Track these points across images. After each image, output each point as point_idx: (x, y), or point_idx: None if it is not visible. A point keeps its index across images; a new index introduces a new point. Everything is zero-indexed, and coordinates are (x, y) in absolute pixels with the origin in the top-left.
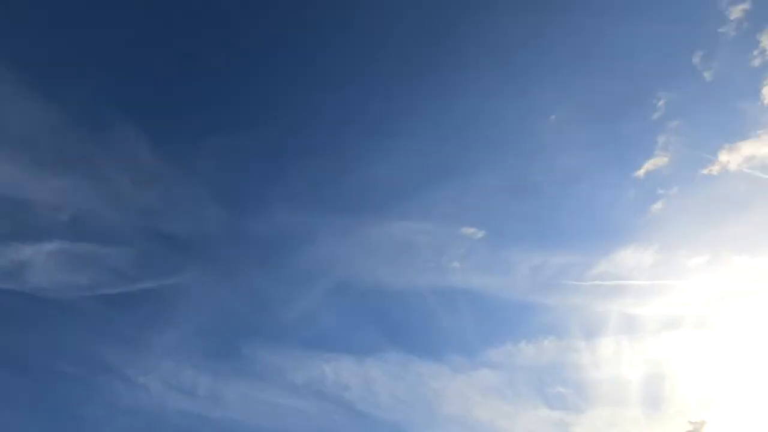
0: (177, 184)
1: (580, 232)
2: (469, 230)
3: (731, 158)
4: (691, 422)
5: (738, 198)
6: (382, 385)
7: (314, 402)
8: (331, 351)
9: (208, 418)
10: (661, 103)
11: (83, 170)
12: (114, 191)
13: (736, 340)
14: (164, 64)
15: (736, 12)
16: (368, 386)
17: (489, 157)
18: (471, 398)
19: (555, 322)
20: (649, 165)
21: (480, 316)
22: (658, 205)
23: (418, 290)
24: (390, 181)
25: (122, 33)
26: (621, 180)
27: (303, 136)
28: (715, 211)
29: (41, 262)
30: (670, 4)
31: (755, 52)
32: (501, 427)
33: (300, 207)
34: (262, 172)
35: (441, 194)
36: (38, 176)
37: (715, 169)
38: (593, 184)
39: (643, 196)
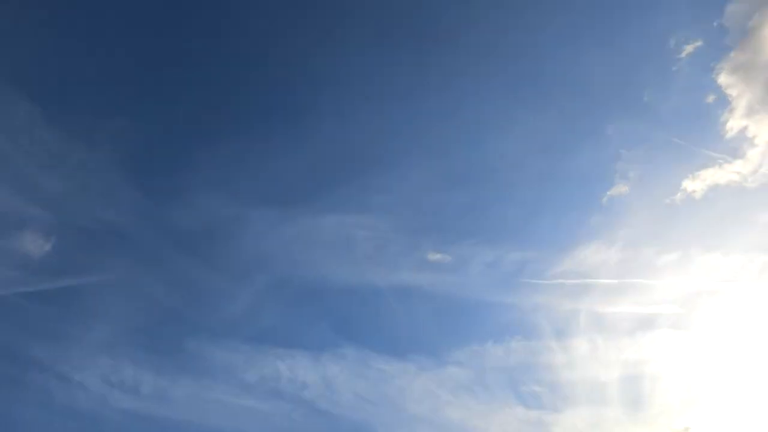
0: (87, 168)
1: (538, 228)
2: (411, 224)
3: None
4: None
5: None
6: (343, 383)
7: (271, 401)
8: (283, 347)
9: (157, 417)
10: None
11: None
12: (17, 176)
13: (711, 339)
14: (75, 37)
15: (688, 48)
16: (328, 384)
17: (430, 145)
18: (440, 397)
19: (520, 321)
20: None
21: (436, 314)
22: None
23: (365, 286)
24: (321, 171)
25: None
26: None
27: (229, 118)
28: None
29: None
30: (623, 40)
31: (709, 87)
32: (476, 426)
33: (228, 195)
34: (186, 157)
35: (377, 185)
36: None
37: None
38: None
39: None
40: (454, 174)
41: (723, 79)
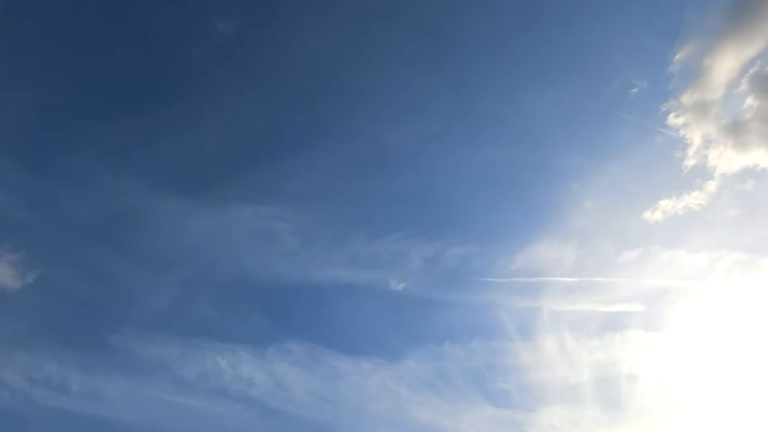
0: None
1: (484, 223)
2: (334, 215)
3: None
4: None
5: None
6: (294, 380)
7: (218, 400)
8: (220, 341)
9: (91, 416)
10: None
11: None
12: None
13: (677, 337)
14: None
15: (642, 86)
16: (278, 382)
17: (349, 127)
18: (401, 395)
19: (477, 319)
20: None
21: (383, 311)
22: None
23: (298, 282)
24: (229, 155)
25: None
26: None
27: (131, 96)
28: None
29: None
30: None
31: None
32: (445, 426)
33: (134, 181)
34: (82, 137)
35: (290, 171)
36: None
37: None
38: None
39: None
40: (378, 159)
41: (678, 116)
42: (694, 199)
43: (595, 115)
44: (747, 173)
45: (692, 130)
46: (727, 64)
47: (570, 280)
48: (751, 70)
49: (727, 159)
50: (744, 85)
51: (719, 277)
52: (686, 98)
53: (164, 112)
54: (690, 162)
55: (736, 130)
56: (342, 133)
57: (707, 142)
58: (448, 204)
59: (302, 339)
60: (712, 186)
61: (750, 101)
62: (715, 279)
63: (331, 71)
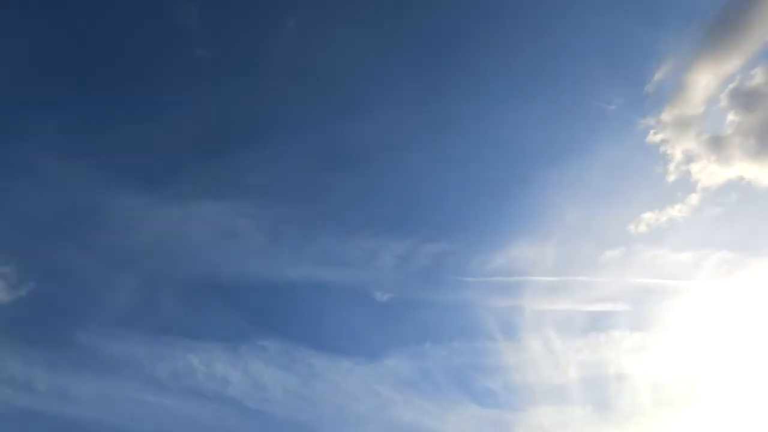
0: None
1: (456, 220)
2: (297, 211)
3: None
4: None
5: None
6: (270, 379)
7: (193, 400)
8: (190, 338)
9: (61, 416)
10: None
11: None
12: None
13: (663, 336)
14: None
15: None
16: (254, 380)
17: (310, 119)
18: (382, 394)
19: (458, 319)
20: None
21: (358, 310)
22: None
23: (267, 280)
24: (184, 149)
25: None
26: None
27: (80, 85)
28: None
29: None
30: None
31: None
32: (429, 426)
33: (87, 173)
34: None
35: (250, 165)
36: None
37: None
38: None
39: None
40: (344, 154)
41: (657, 133)
42: (677, 212)
43: (575, 128)
44: (730, 186)
45: (673, 145)
46: (706, 80)
47: (551, 279)
48: (731, 86)
49: (709, 173)
50: (724, 101)
51: (705, 276)
52: (666, 115)
53: (122, 104)
54: (671, 177)
55: (717, 145)
56: (306, 127)
57: (688, 158)
58: (423, 202)
59: (276, 337)
60: (694, 199)
61: (731, 116)
62: (700, 278)
63: (295, 63)
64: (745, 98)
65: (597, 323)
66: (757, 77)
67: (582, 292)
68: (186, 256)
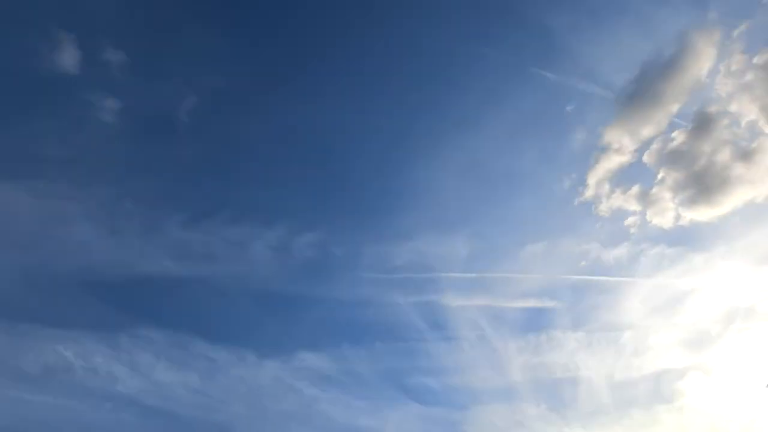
0: None
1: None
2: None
3: None
4: None
5: None
6: (164, 374)
7: (76, 398)
8: (54, 327)
9: None
10: None
11: None
12: None
13: (595, 333)
14: None
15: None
16: (145, 375)
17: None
18: (303, 391)
19: (382, 318)
20: None
21: (241, 305)
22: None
23: (115, 270)
24: None
25: None
26: None
27: None
28: None
29: None
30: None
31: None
32: (369, 426)
33: None
34: None
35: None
36: None
37: None
38: None
39: None
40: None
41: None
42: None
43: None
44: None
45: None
46: (628, 141)
47: (469, 275)
48: (654, 146)
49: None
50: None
51: (635, 272)
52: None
53: None
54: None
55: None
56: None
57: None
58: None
59: (159, 327)
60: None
61: (660, 173)
62: (631, 274)
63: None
64: (667, 158)
65: (529, 320)
66: (678, 138)
67: (504, 288)
68: (50, 248)
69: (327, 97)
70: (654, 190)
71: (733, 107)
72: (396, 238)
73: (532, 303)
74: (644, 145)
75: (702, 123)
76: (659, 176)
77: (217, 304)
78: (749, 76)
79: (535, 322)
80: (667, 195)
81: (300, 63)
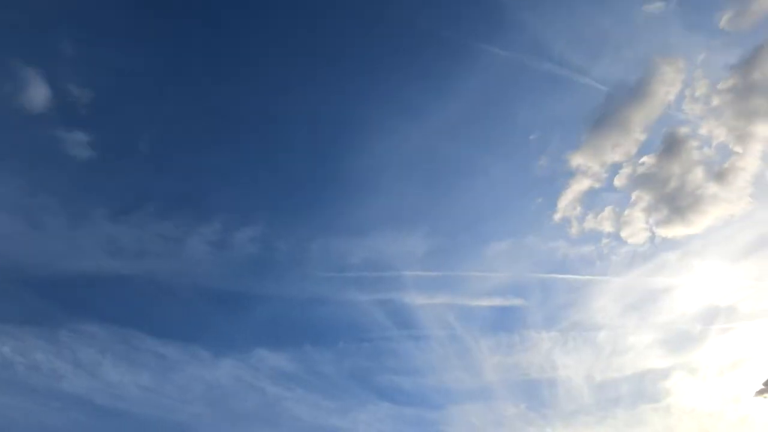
0: None
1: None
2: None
3: None
4: None
5: None
6: (114, 370)
7: (20, 396)
8: None
9: None
10: None
11: None
12: None
13: (564, 330)
14: None
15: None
16: (92, 373)
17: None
18: (266, 390)
19: (345, 318)
20: None
21: (186, 302)
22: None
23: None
24: None
25: None
26: None
27: None
28: None
29: None
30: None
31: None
32: (336, 425)
33: None
34: None
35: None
36: None
37: None
38: None
39: None
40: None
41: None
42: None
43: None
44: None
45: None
46: (594, 165)
47: (431, 273)
48: (622, 170)
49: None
50: (619, 181)
51: (606, 270)
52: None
53: None
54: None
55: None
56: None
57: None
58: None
59: (100, 321)
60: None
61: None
62: (602, 272)
63: None
64: (636, 180)
65: (493, 318)
66: (647, 162)
67: (465, 286)
68: None
69: (269, 79)
70: (627, 211)
71: (703, 130)
72: (348, 234)
73: (499, 301)
74: (614, 169)
75: (672, 145)
76: (632, 198)
77: (160, 301)
78: (715, 101)
79: (505, 321)
80: (641, 215)
81: (239, 46)
